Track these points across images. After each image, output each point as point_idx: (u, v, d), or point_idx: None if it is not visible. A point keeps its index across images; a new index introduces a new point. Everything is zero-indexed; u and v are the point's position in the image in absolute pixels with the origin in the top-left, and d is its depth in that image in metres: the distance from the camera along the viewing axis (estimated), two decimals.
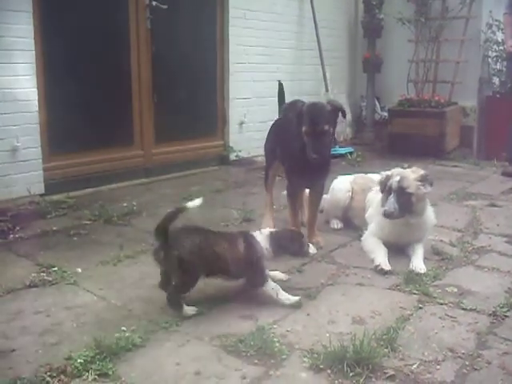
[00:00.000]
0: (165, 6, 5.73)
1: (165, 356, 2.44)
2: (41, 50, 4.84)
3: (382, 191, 3.72)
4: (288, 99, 7.04)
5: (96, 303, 2.96)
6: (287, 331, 2.64)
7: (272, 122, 4.42)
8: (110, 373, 2.28)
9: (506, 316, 2.86)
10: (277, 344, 2.50)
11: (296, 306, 2.89)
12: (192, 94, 6.28)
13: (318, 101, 3.77)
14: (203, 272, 2.84)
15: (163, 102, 5.92)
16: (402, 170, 3.75)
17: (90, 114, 5.23)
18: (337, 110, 3.64)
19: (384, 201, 3.65)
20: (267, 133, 4.35)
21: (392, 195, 3.57)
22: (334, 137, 3.85)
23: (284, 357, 2.42)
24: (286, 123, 4.01)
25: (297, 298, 2.92)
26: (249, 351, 2.45)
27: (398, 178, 3.59)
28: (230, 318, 2.78)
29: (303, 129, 3.55)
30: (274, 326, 2.68)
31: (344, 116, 3.69)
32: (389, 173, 3.72)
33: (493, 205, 5.09)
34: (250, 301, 2.97)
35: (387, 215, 3.57)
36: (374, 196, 3.96)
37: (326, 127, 3.54)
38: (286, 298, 2.90)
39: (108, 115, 5.42)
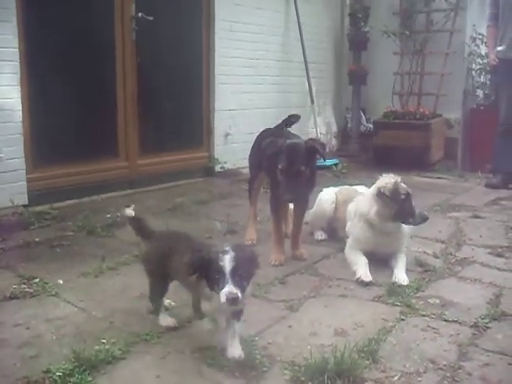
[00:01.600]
0: (150, 18, 5.73)
1: (145, 368, 2.42)
2: (25, 61, 4.81)
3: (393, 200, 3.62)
4: (274, 111, 7.20)
5: (77, 315, 2.93)
6: (269, 343, 2.63)
7: (257, 134, 4.41)
8: None
9: (487, 327, 2.87)
10: (258, 356, 2.48)
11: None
12: (177, 105, 6.28)
13: (298, 141, 3.76)
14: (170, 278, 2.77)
15: (148, 113, 5.91)
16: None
17: (75, 125, 5.22)
18: (314, 150, 3.67)
19: (389, 210, 3.63)
20: (252, 145, 4.36)
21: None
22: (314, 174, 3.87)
23: (265, 369, 2.40)
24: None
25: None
26: (229, 364, 2.43)
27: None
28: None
29: (279, 166, 3.58)
30: (256, 339, 2.66)
31: (322, 156, 3.76)
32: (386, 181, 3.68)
33: (476, 216, 5.11)
34: None
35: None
36: (354, 207, 3.97)
37: (302, 168, 3.57)
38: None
39: (93, 126, 5.39)
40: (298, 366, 2.40)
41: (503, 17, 6.43)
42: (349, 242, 3.86)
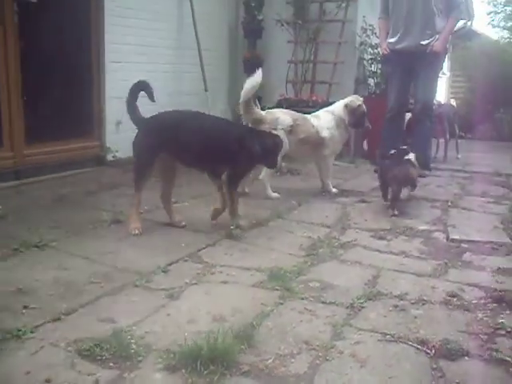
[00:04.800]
0: (34, 0, 5.51)
1: (15, 366, 2.32)
2: None
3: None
4: (167, 99, 7.10)
5: None
6: (146, 332, 2.60)
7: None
8: None
9: (362, 307, 2.97)
10: (133, 346, 2.45)
11: None
12: (66, 93, 6.08)
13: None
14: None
15: (35, 101, 5.68)
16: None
17: None
18: None
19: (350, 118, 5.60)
20: (145, 130, 4.17)
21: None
22: None
23: (140, 358, 2.38)
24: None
25: None
26: (104, 355, 2.38)
27: None
28: (88, 321, 2.70)
29: None
30: (133, 328, 2.62)
31: None
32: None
33: (363, 201, 5.30)
34: (110, 303, 2.92)
35: None
36: (328, 118, 5.57)
37: None
38: None
39: None
40: (173, 354, 2.39)
41: (393, 11, 6.64)
42: (333, 150, 5.59)
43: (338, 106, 5.68)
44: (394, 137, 6.79)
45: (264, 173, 5.31)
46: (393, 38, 6.67)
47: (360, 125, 5.68)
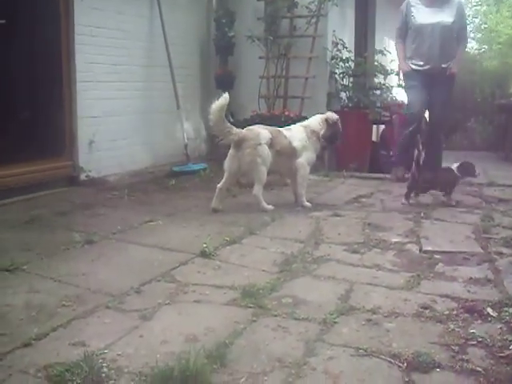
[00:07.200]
0: (2, 21, 5.49)
1: None
2: None
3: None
4: (139, 117, 7.12)
5: None
6: (118, 355, 2.58)
7: None
8: None
9: (335, 322, 2.97)
10: (105, 369, 2.43)
11: None
12: (37, 112, 6.07)
13: None
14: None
15: (3, 121, 5.64)
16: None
17: None
18: None
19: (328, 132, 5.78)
20: None
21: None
22: None
23: (112, 382, 2.35)
24: None
25: None
26: (75, 380, 2.35)
27: None
28: (59, 346, 2.67)
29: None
30: (105, 351, 2.60)
31: None
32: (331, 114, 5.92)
33: (336, 215, 5.30)
34: (82, 326, 2.89)
35: None
36: (299, 130, 5.72)
37: None
38: None
39: None
40: (145, 377, 2.37)
41: (417, 38, 7.01)
42: (307, 159, 5.66)
43: (312, 120, 5.90)
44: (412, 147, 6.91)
45: (256, 187, 5.42)
46: (418, 61, 7.08)
47: (335, 139, 5.90)
